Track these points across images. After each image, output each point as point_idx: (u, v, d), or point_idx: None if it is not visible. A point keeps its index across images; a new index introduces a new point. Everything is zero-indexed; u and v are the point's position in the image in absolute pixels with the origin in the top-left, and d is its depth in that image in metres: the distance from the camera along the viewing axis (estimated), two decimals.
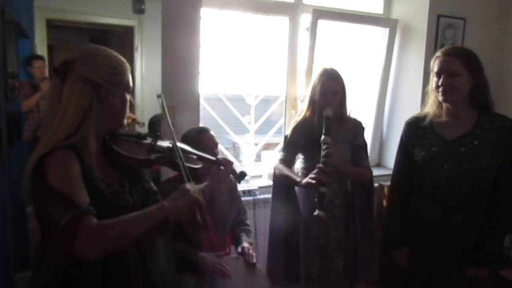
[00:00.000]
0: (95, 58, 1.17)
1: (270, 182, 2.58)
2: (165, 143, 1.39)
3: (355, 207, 2.12)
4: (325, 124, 1.92)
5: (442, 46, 3.18)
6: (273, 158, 3.15)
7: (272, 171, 2.25)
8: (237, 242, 2.09)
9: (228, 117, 3.11)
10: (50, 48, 2.26)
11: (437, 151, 1.70)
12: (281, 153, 2.15)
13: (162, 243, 1.29)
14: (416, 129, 1.80)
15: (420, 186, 1.77)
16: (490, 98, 1.69)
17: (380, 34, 3.37)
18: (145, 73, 2.67)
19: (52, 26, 2.24)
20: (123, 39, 2.65)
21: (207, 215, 1.16)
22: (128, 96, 1.23)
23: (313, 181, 1.77)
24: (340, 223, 2.09)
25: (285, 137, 2.22)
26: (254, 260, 1.95)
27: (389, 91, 3.49)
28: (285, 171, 2.06)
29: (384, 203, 3.03)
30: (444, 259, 1.71)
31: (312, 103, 2.09)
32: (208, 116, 2.88)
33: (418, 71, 3.23)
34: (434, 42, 3.19)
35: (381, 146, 3.56)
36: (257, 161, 3.13)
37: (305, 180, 1.84)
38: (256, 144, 3.19)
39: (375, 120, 3.50)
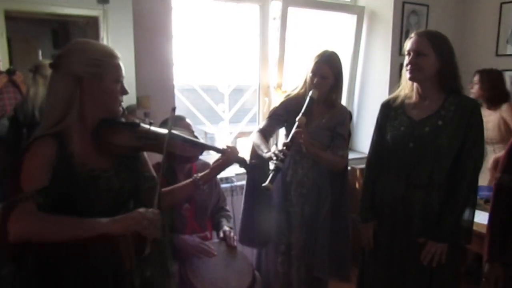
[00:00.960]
0: (78, 52, 1.25)
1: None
2: (159, 130, 1.42)
3: (325, 190, 2.13)
4: (306, 104, 1.95)
5: (407, 32, 3.30)
6: (248, 146, 3.21)
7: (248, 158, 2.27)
8: (217, 227, 2.14)
9: (202, 107, 3.13)
10: (8, 41, 2.20)
11: (404, 130, 1.78)
12: (263, 122, 2.17)
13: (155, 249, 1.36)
14: (388, 110, 1.88)
15: (387, 164, 1.86)
16: (459, 82, 1.77)
17: (348, 21, 3.46)
18: None
19: (11, 18, 2.17)
20: (86, 30, 2.59)
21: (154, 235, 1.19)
22: (117, 86, 1.29)
23: (273, 156, 1.81)
24: (306, 203, 2.13)
25: (270, 110, 2.23)
26: (235, 243, 2.00)
27: (358, 76, 3.59)
28: (257, 140, 2.07)
29: (357, 185, 3.14)
30: (405, 233, 1.80)
31: (304, 81, 2.12)
32: (182, 106, 2.89)
33: (385, 56, 3.35)
34: (400, 28, 3.31)
35: (353, 131, 3.66)
36: None
37: (268, 154, 1.89)
38: (231, 133, 3.22)
39: (345, 105, 3.58)
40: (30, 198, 1.11)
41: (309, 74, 2.06)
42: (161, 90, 2.45)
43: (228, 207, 2.29)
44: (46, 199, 1.14)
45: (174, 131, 1.43)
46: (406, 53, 1.75)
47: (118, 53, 1.31)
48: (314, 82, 2.03)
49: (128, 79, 2.41)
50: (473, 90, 3.04)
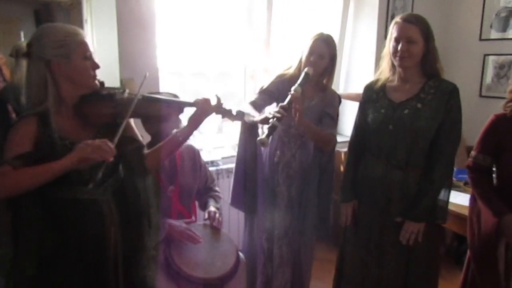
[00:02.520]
0: (42, 37, 1.32)
1: (233, 152, 2.63)
2: (132, 96, 1.47)
3: (312, 172, 2.18)
4: (301, 77, 1.95)
5: (393, 16, 3.31)
6: (235, 129, 3.22)
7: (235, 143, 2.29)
8: (204, 207, 2.15)
9: (188, 92, 3.11)
10: None
11: (384, 113, 1.82)
12: (255, 96, 2.16)
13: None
14: (370, 93, 1.91)
15: (368, 145, 1.90)
16: (439, 66, 1.80)
17: (335, 4, 3.45)
18: (97, 46, 2.61)
19: None
20: (69, 12, 2.55)
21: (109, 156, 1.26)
22: (86, 62, 1.36)
23: (270, 115, 1.81)
24: (293, 184, 2.16)
25: (262, 86, 2.21)
26: (219, 226, 2.02)
27: (344, 59, 3.60)
28: (247, 109, 2.06)
29: (342, 168, 3.18)
30: (384, 213, 1.85)
31: (300, 61, 2.11)
32: (168, 90, 2.87)
33: (371, 39, 3.36)
34: (386, 11, 3.32)
35: (340, 113, 3.69)
36: (219, 133, 3.17)
37: (262, 116, 1.88)
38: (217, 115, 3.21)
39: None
40: (6, 162, 1.23)
41: (305, 53, 2.06)
42: (146, 72, 2.43)
43: (217, 188, 2.29)
44: (26, 163, 1.24)
45: (148, 94, 1.52)
46: (393, 39, 1.75)
47: (82, 31, 1.38)
48: (311, 59, 2.03)
49: (112, 62, 2.44)
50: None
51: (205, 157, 2.71)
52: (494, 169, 1.89)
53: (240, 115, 1.62)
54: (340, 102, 2.23)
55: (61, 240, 1.36)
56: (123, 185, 1.49)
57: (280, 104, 1.85)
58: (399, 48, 1.72)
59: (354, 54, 3.54)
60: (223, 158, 2.86)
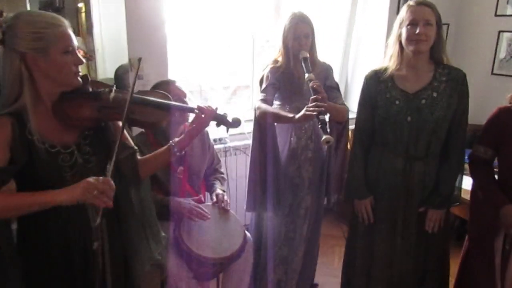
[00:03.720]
0: (18, 26, 1.16)
1: (240, 130, 2.64)
2: (122, 96, 1.32)
3: (329, 147, 2.21)
4: (304, 64, 1.96)
5: None
6: (244, 105, 3.23)
7: (245, 117, 2.28)
8: (211, 189, 2.20)
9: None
10: None
11: (399, 104, 1.78)
12: (262, 94, 2.15)
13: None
14: (377, 82, 1.84)
15: (382, 139, 1.86)
16: (445, 52, 1.78)
17: None
18: (103, 14, 2.59)
19: None
20: None
21: (106, 203, 1.16)
22: (66, 57, 1.20)
23: (313, 113, 1.78)
24: (312, 164, 2.21)
25: (261, 80, 2.22)
26: (228, 207, 2.07)
27: (354, 36, 3.53)
28: (271, 109, 2.09)
29: (348, 146, 3.19)
30: (406, 205, 1.86)
31: (286, 49, 2.10)
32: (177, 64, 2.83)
33: (383, 15, 3.28)
34: None
35: (346, 91, 3.67)
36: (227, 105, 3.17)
37: (300, 114, 1.85)
38: (228, 87, 3.20)
39: (340, 65, 3.57)
40: None
41: (290, 39, 2.05)
42: (154, 52, 2.42)
43: (222, 170, 2.33)
44: (6, 178, 1.16)
45: (140, 95, 1.37)
46: (408, 23, 1.68)
47: (65, 20, 1.21)
48: (300, 43, 2.03)
49: (120, 40, 2.42)
50: None
51: (213, 134, 2.71)
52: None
53: (237, 123, 1.59)
54: (332, 69, 2.24)
55: (45, 250, 1.28)
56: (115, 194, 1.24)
57: (311, 98, 1.82)
58: (417, 31, 1.66)
59: (364, 31, 3.46)
60: (231, 135, 2.87)
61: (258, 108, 2.09)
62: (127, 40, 2.35)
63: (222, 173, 2.31)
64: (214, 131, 2.79)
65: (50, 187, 1.19)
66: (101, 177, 1.16)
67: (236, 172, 2.53)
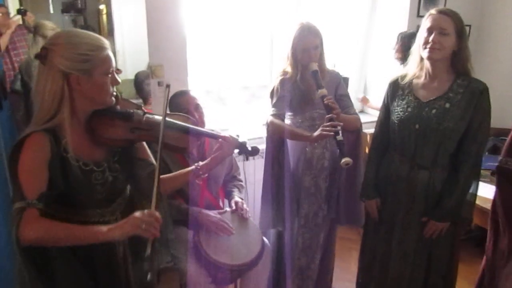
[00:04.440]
0: (64, 47, 1.18)
1: (260, 134, 2.65)
2: (153, 119, 1.38)
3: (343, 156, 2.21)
4: (314, 79, 1.97)
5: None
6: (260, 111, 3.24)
7: (262, 123, 2.29)
8: (229, 196, 2.24)
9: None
10: None
11: (411, 111, 1.79)
12: (273, 109, 2.17)
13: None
14: (396, 88, 1.87)
15: (393, 143, 1.90)
16: (470, 65, 1.75)
17: None
18: (124, 16, 2.63)
19: None
20: None
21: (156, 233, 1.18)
22: (107, 78, 1.24)
23: (330, 133, 1.82)
24: (328, 173, 2.22)
25: (271, 93, 2.22)
26: (247, 215, 2.11)
27: (374, 35, 3.51)
28: (287, 126, 2.12)
29: (367, 150, 3.18)
30: (407, 211, 1.88)
31: (295, 60, 2.10)
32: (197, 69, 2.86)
33: (403, 16, 3.26)
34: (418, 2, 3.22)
35: (365, 93, 3.65)
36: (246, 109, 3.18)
37: (317, 133, 1.89)
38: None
39: (359, 68, 3.55)
40: (32, 205, 1.13)
41: (299, 53, 2.05)
42: (174, 58, 2.45)
43: (240, 177, 2.36)
44: (47, 201, 1.17)
45: (169, 119, 1.40)
46: (425, 30, 1.70)
47: (107, 42, 1.26)
48: (309, 55, 2.03)
49: (141, 42, 2.45)
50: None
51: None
52: None
53: (256, 151, 1.67)
54: (342, 78, 2.24)
55: (70, 260, 1.29)
56: (134, 209, 1.28)
57: (327, 117, 1.86)
58: (430, 39, 1.67)
59: (384, 32, 3.43)
60: (248, 139, 2.87)
61: (271, 123, 2.11)
62: (148, 46, 2.39)
63: (241, 181, 2.35)
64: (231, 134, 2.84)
65: (79, 203, 1.22)
66: (146, 210, 1.19)
67: (254, 177, 2.55)
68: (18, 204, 1.13)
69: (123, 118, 1.33)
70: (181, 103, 2.02)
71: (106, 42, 1.25)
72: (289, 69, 2.14)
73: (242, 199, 2.21)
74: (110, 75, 1.25)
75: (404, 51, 2.83)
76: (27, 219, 1.12)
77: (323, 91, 1.91)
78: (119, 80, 1.29)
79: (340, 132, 1.82)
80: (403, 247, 1.91)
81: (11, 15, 2.40)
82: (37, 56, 1.19)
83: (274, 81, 2.22)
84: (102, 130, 1.27)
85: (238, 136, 1.60)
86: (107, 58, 1.24)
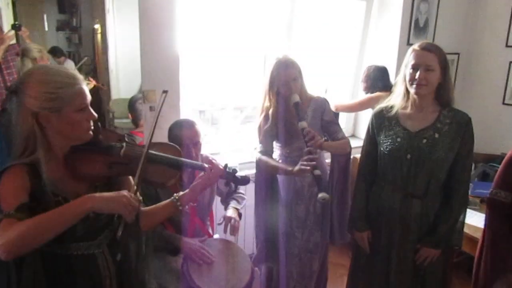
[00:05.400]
0: (31, 86, 1.16)
1: (251, 158, 2.66)
2: (134, 151, 1.33)
3: (332, 179, 2.25)
4: (296, 111, 1.99)
5: (416, 20, 3.25)
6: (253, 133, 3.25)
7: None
8: (225, 209, 2.21)
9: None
10: (13, 4, 2.29)
11: (401, 142, 1.81)
12: (260, 145, 2.20)
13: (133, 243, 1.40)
14: (382, 119, 1.89)
15: (383, 174, 1.90)
16: (452, 95, 1.80)
17: (357, 7, 3.41)
18: (118, 36, 2.65)
19: None
20: (93, 0, 2.61)
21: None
22: (79, 115, 1.21)
23: (307, 167, 1.85)
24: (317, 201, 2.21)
25: (258, 129, 2.23)
26: (234, 233, 2.06)
27: (365, 62, 3.55)
28: (272, 162, 2.16)
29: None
30: (402, 241, 1.88)
31: (276, 94, 2.11)
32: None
33: (394, 44, 3.31)
34: (410, 16, 3.26)
35: (355, 117, 3.69)
36: (237, 134, 3.20)
37: (297, 168, 1.92)
38: (235, 117, 3.23)
39: (351, 92, 3.60)
40: (8, 216, 1.10)
41: (281, 87, 2.07)
42: (168, 84, 2.45)
43: (241, 190, 2.33)
44: (28, 213, 1.12)
45: (153, 151, 1.35)
46: (410, 67, 1.74)
47: (80, 76, 1.22)
48: (289, 87, 2.04)
49: (134, 70, 2.47)
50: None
51: (222, 162, 2.73)
52: None
53: (246, 180, 1.60)
54: (329, 103, 2.25)
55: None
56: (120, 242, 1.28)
57: (305, 151, 1.90)
58: (416, 76, 1.71)
59: (375, 59, 3.48)
60: (240, 164, 2.89)
61: (259, 160, 2.18)
62: (141, 70, 2.40)
63: (241, 193, 2.32)
64: (222, 158, 2.84)
65: (59, 239, 1.16)
66: (131, 194, 1.19)
67: (246, 201, 2.55)
68: None
69: (101, 152, 1.29)
70: (182, 136, 1.98)
71: (78, 77, 1.22)
72: (268, 103, 2.16)
73: (238, 209, 2.17)
74: (84, 110, 1.22)
75: (368, 82, 3.09)
76: (2, 228, 1.08)
77: (303, 123, 1.94)
78: (95, 114, 1.25)
79: (318, 166, 1.85)
80: (400, 278, 1.91)
81: (5, 30, 2.39)
82: (10, 92, 1.17)
83: (258, 118, 2.23)
84: (79, 166, 1.25)
85: (226, 165, 1.55)
86: (78, 94, 1.20)
